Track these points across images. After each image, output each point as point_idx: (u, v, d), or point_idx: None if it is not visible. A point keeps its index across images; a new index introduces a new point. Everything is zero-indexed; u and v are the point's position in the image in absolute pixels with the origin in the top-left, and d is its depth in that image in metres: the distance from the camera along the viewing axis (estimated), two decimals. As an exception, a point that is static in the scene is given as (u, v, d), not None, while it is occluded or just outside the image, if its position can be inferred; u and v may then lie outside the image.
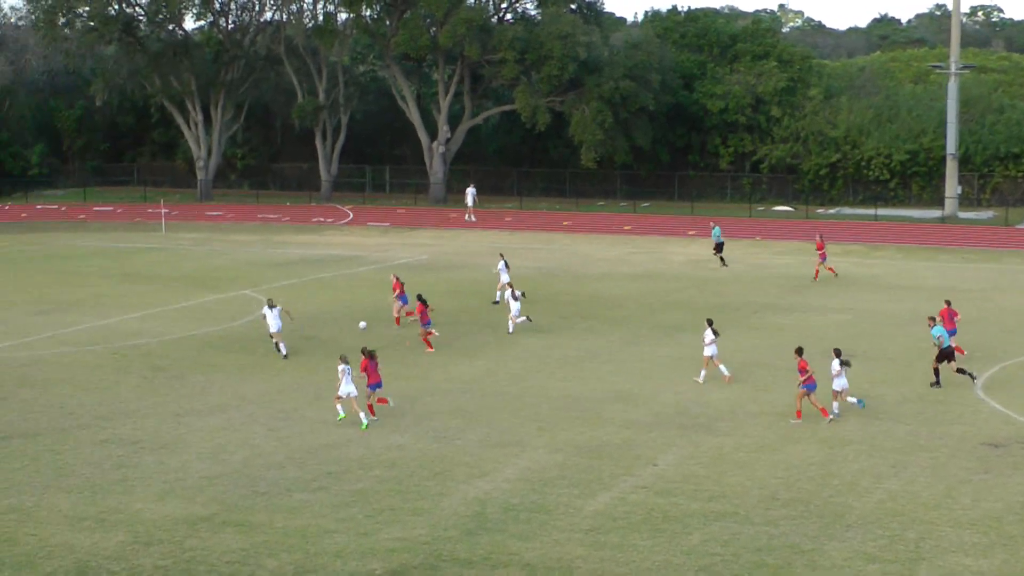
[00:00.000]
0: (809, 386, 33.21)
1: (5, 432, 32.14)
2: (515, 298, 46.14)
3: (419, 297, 43.65)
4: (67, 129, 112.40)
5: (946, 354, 37.07)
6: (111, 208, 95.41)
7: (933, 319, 38.61)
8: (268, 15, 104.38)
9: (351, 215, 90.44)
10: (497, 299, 51.16)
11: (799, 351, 33.82)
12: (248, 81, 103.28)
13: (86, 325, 47.36)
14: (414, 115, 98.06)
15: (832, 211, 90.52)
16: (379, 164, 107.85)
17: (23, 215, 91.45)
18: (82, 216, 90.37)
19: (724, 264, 63.23)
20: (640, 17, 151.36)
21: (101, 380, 38.03)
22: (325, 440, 31.30)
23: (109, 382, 37.77)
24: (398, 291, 47.13)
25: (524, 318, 46.19)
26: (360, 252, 69.80)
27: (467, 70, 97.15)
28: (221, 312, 49.99)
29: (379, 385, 33.54)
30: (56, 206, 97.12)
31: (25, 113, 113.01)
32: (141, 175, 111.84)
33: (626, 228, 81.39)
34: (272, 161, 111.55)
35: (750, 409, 34.33)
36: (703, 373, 37.61)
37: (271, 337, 42.08)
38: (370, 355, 33.44)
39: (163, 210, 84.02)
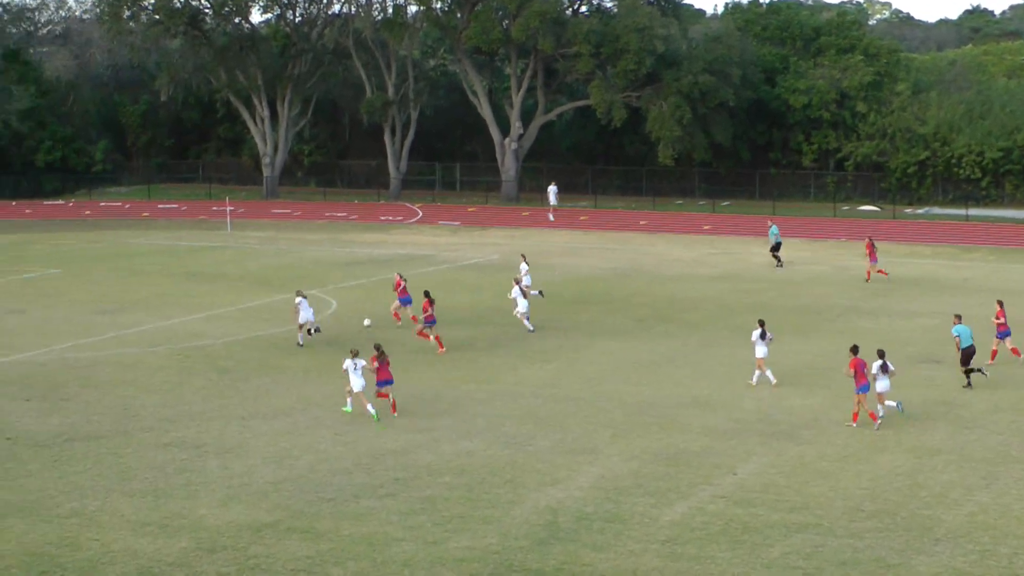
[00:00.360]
0: (862, 388, 33.09)
1: (68, 434, 32.51)
2: (524, 295, 46.89)
3: (426, 293, 44.08)
4: (131, 125, 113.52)
5: (968, 354, 37.45)
6: (175, 206, 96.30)
7: (959, 316, 38.64)
8: (336, 8, 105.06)
9: (420, 213, 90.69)
10: (539, 293, 51.10)
11: (854, 350, 33.71)
12: (316, 76, 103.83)
13: (149, 325, 47.81)
14: (486, 111, 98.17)
15: (921, 211, 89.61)
16: (449, 161, 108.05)
17: (86, 212, 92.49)
18: (146, 214, 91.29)
19: (780, 264, 63.23)
20: (720, 9, 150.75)
21: (164, 382, 38.39)
22: (393, 445, 31.39)
23: (172, 384, 38.10)
24: (400, 290, 47.35)
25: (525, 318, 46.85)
26: (430, 251, 69.98)
27: (540, 64, 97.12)
28: (287, 313, 50.16)
29: (389, 382, 34.53)
30: (120, 203, 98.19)
31: (89, 108, 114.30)
32: (206, 172, 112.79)
33: (705, 228, 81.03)
34: (340, 158, 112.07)
35: (834, 416, 34.04)
36: (769, 374, 37.72)
37: (300, 327, 43.91)
38: (380, 352, 34.61)
39: (228, 208, 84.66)
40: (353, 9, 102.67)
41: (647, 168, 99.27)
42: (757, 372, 37.85)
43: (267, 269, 63.06)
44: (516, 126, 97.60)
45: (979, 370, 37.56)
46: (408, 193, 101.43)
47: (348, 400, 34.64)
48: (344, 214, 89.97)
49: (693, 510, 26.67)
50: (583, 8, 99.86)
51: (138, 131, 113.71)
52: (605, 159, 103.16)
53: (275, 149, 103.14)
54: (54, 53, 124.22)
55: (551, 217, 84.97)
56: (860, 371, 33.23)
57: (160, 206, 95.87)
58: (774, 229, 64.74)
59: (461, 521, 26.05)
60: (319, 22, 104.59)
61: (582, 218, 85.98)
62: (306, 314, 43.86)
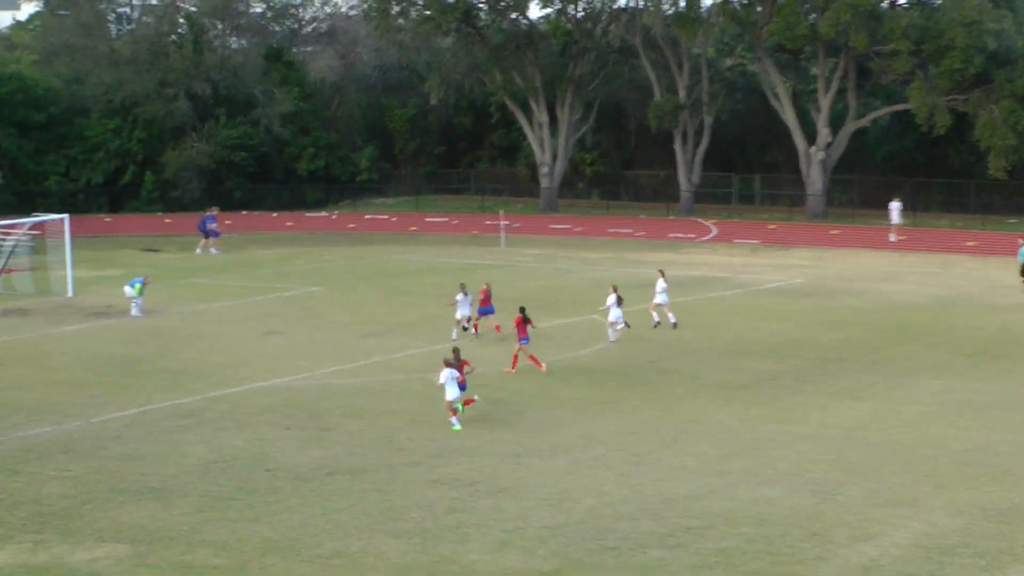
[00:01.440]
0: None
1: (330, 467, 33.33)
2: (620, 303, 49.30)
3: (521, 310, 45.21)
4: (399, 130, 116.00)
5: None
6: (445, 219, 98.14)
7: None
8: (623, 1, 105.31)
9: (714, 230, 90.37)
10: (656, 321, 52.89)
11: None
12: (599, 77, 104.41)
13: (416, 350, 48.72)
14: (789, 115, 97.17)
15: None
16: (747, 172, 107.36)
17: (350, 226, 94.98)
18: (413, 228, 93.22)
19: None
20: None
21: (433, 413, 38.98)
22: (684, 490, 31.25)
23: (442, 415, 38.65)
24: (484, 299, 50.61)
25: (623, 324, 50.00)
26: (725, 273, 69.61)
27: (852, 63, 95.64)
28: (566, 339, 50.62)
29: (464, 387, 37.84)
30: (386, 216, 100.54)
31: (354, 112, 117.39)
32: (478, 182, 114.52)
33: (1043, 250, 78.55)
34: (625, 168, 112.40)
35: None
36: None
37: (457, 322, 50.40)
38: (457, 357, 38.10)
39: (502, 222, 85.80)
40: (642, 3, 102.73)
41: (975, 181, 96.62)
42: None
43: (544, 290, 63.62)
44: (824, 133, 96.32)
45: None
46: (701, 208, 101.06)
47: (453, 418, 37.16)
48: (629, 230, 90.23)
49: (1031, 576, 25.87)
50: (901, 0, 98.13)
51: (406, 137, 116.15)
52: (926, 171, 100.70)
53: (554, 158, 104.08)
54: (318, 53, 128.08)
55: (897, 237, 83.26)
56: None
57: (428, 219, 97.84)
58: None
59: (761, 578, 25.83)
60: (604, 17, 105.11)
61: (900, 237, 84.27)
62: (464, 310, 50.18)
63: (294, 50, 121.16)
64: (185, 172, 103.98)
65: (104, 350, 49.80)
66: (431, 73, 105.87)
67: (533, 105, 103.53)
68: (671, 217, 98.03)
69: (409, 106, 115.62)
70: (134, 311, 57.30)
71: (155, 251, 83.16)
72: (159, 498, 30.88)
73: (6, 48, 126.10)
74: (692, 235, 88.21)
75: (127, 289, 58.03)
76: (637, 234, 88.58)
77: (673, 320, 52.75)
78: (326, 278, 68.81)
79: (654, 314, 52.95)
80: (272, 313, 57.98)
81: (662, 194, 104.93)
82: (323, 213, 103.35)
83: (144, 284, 57.87)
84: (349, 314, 57.38)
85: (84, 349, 50.17)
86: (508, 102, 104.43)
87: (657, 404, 40.12)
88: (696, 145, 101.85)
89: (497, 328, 50.50)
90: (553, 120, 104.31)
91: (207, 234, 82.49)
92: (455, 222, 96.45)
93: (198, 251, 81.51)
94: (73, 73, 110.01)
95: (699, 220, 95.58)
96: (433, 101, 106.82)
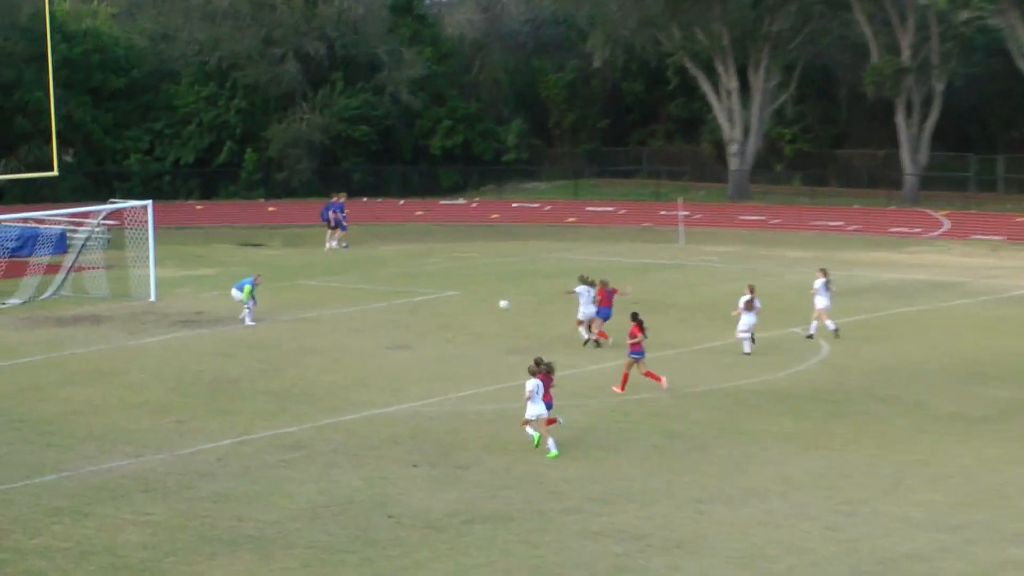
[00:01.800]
0: None
1: (467, 514, 33.12)
2: (753, 309, 50.44)
3: (634, 316, 45.03)
4: (554, 99, 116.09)
5: None
6: (611, 208, 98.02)
7: None
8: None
9: (946, 224, 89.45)
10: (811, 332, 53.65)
11: None
12: (802, 34, 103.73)
13: (575, 369, 48.37)
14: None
15: None
16: (988, 152, 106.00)
17: (493, 216, 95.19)
18: (572, 219, 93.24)
19: None
20: None
21: (594, 447, 38.80)
22: (907, 547, 30.67)
23: (604, 450, 38.47)
24: (603, 300, 52.52)
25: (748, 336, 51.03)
26: (959, 277, 68.75)
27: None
28: (759, 357, 50.11)
29: (549, 406, 38.31)
30: (537, 204, 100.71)
31: (500, 78, 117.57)
32: (652, 163, 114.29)
33: None
34: (834, 146, 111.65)
35: None
36: None
37: (579, 323, 52.63)
38: (547, 370, 38.57)
39: (681, 212, 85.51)
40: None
41: None
42: None
43: (731, 297, 62.86)
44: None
45: None
46: (929, 195, 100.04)
47: (550, 441, 37.74)
48: (840, 223, 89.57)
49: None
50: None
51: (563, 108, 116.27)
52: None
53: (745, 133, 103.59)
54: (456, 5, 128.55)
55: None
56: None
57: (589, 208, 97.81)
58: None
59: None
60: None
61: None
62: (586, 310, 52.12)
63: (426, 1, 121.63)
64: (293, 150, 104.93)
65: (193, 366, 50.22)
66: (594, 29, 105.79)
67: (720, 68, 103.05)
68: (892, 207, 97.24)
69: (567, 70, 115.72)
70: (244, 317, 57.71)
71: (257, 246, 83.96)
72: (257, 549, 30.89)
73: (81, 0, 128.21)
74: (918, 229, 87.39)
75: (235, 292, 58.52)
76: (849, 228, 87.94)
77: (812, 331, 53.43)
78: (463, 280, 68.95)
79: (828, 322, 52.74)
80: (397, 322, 58.15)
81: (881, 179, 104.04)
82: (461, 200, 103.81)
83: (255, 285, 58.23)
84: (491, 325, 57.25)
85: (169, 365, 50.60)
86: (689, 65, 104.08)
87: (874, 440, 39.48)
88: (923, 118, 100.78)
89: (601, 335, 52.40)
90: (745, 87, 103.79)
91: (333, 224, 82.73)
92: (623, 212, 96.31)
93: (334, 244, 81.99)
94: (160, 29, 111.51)
95: (927, 211, 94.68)
96: (596, 63, 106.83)
